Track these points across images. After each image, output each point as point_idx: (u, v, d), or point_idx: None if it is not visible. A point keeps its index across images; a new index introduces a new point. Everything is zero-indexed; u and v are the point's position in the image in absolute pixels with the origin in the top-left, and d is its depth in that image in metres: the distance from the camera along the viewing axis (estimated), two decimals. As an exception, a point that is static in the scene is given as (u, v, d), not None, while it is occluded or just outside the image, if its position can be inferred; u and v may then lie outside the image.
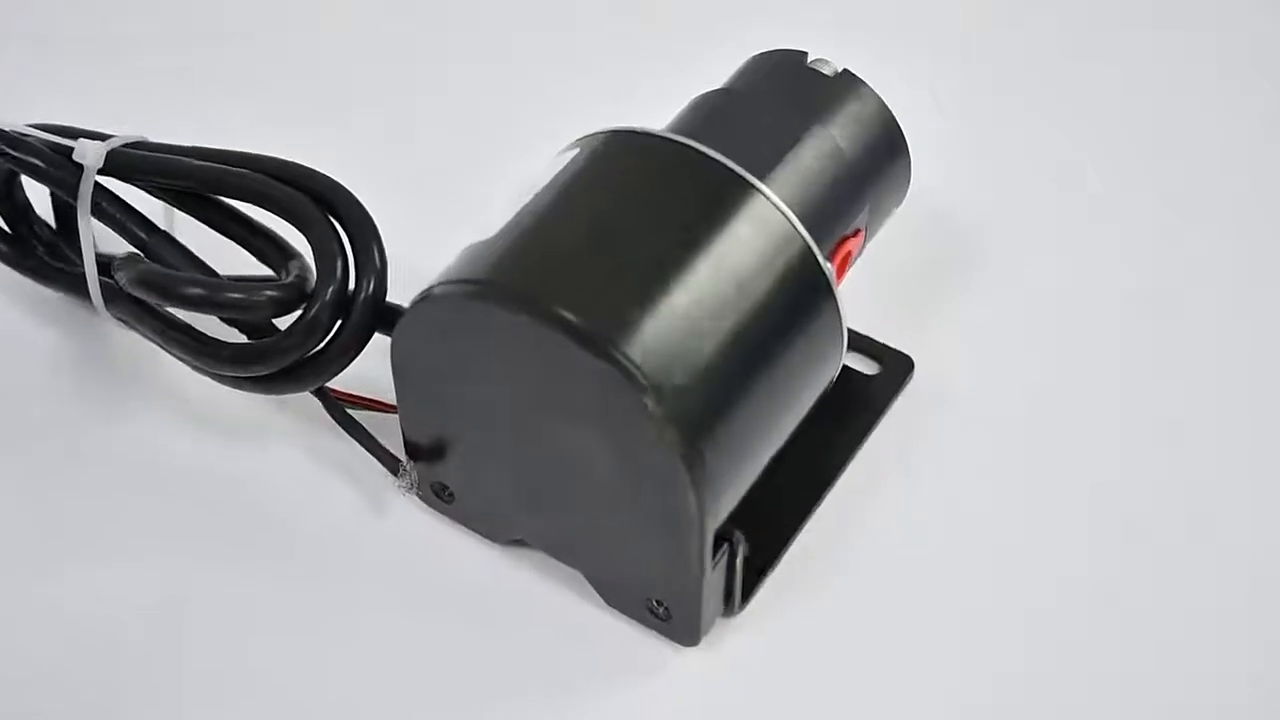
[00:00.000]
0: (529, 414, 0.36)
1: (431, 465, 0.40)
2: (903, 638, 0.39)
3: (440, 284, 0.36)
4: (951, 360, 0.45)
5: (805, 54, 0.42)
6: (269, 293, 0.38)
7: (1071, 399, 0.44)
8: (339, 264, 0.38)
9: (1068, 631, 0.39)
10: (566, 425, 0.36)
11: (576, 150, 0.38)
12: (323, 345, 0.39)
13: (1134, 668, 0.39)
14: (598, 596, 0.39)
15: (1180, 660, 0.39)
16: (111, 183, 0.42)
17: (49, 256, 0.44)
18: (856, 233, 0.41)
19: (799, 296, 0.37)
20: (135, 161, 0.41)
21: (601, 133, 0.38)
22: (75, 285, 0.43)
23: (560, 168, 0.38)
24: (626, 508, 0.36)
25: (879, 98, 0.42)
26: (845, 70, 0.42)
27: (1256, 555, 0.41)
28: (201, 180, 0.40)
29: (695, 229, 0.36)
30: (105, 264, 0.42)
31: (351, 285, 0.39)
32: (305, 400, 0.41)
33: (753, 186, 0.37)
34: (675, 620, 0.38)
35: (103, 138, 0.42)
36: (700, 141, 0.38)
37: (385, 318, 0.39)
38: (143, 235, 0.41)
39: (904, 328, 0.45)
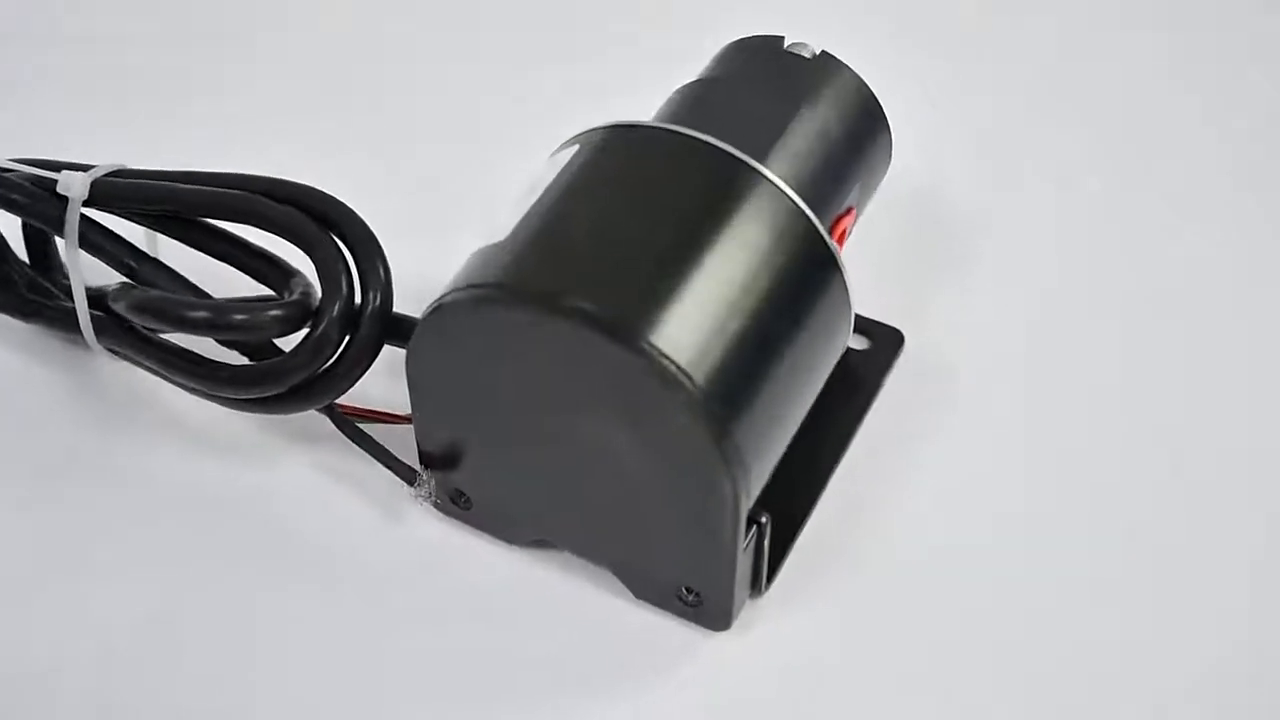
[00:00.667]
0: (551, 413, 0.36)
1: (447, 473, 0.40)
2: (927, 609, 0.40)
3: (454, 291, 0.36)
4: (941, 336, 0.45)
5: (782, 38, 0.43)
6: (274, 312, 0.38)
7: (1064, 373, 0.45)
8: (344, 279, 0.38)
9: (1101, 612, 0.40)
10: (592, 420, 0.36)
11: (576, 147, 0.38)
12: (332, 361, 0.39)
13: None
14: (622, 589, 0.39)
15: (1204, 637, 0.39)
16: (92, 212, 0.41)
17: (29, 292, 0.44)
18: (849, 210, 0.41)
19: (810, 276, 0.38)
20: (121, 190, 0.41)
21: (600, 128, 0.38)
22: (62, 320, 0.42)
23: (562, 166, 0.38)
24: (656, 498, 0.36)
25: (859, 77, 0.42)
26: (824, 52, 0.42)
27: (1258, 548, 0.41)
28: (193, 204, 0.40)
29: (704, 216, 0.37)
30: (94, 296, 0.41)
31: (358, 299, 0.39)
32: (307, 417, 0.41)
33: (755, 170, 0.37)
34: (707, 606, 0.38)
35: (84, 168, 0.41)
36: (697, 130, 0.38)
37: (393, 329, 0.39)
38: (133, 264, 0.41)
39: (891, 305, 0.45)
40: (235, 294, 0.42)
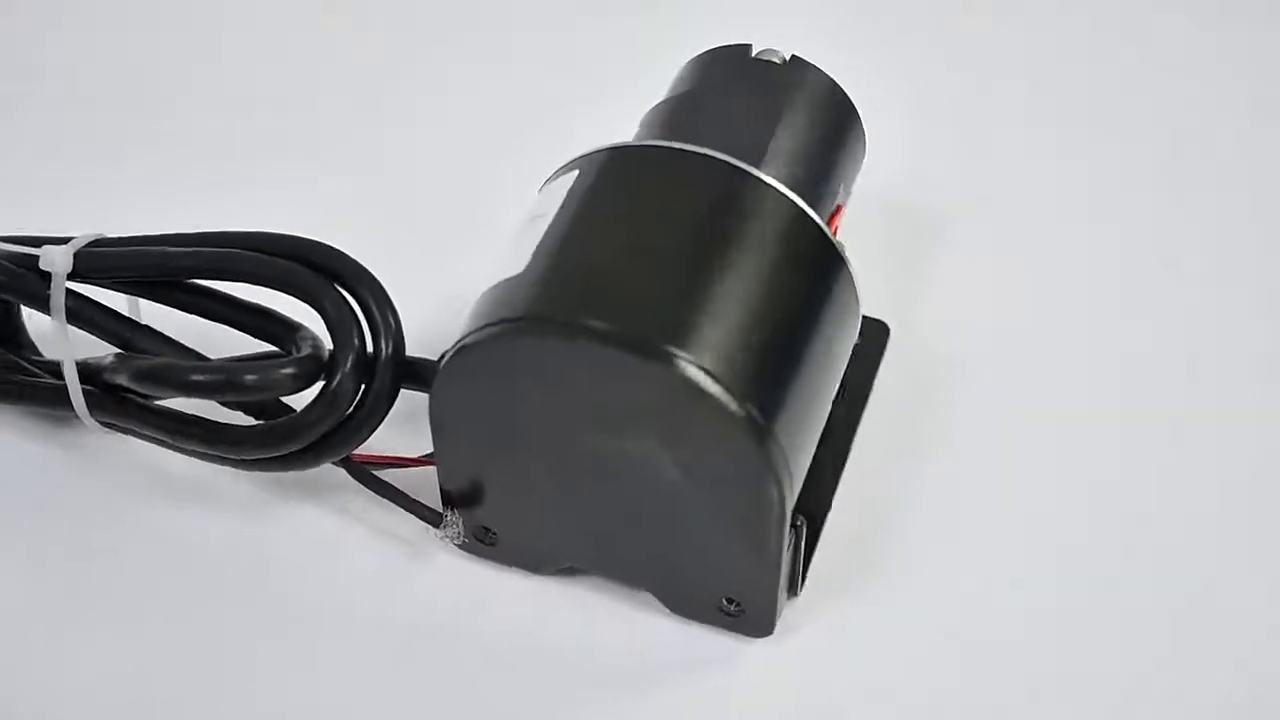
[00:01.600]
0: (584, 438, 0.36)
1: (472, 510, 0.40)
2: (947, 603, 0.40)
3: (478, 329, 0.36)
4: (928, 330, 0.46)
5: (749, 46, 0.43)
6: (287, 370, 0.38)
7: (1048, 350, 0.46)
8: (354, 329, 0.38)
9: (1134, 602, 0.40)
10: (629, 442, 0.36)
11: (575, 172, 0.38)
12: (349, 412, 0.38)
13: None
14: (655, 602, 0.40)
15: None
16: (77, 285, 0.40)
17: (4, 372, 0.42)
18: (838, 208, 0.42)
19: (821, 277, 0.38)
20: (107, 260, 0.40)
21: (597, 151, 0.39)
22: (49, 398, 0.41)
23: (566, 192, 0.38)
24: (698, 512, 0.37)
25: (830, 78, 0.43)
26: (794, 56, 0.43)
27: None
28: (185, 267, 0.39)
29: (717, 228, 0.37)
30: (84, 370, 0.40)
31: (369, 347, 0.38)
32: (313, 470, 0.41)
33: (758, 179, 0.38)
34: (749, 614, 0.39)
35: (59, 240, 0.40)
36: (692, 144, 0.38)
37: (408, 373, 0.39)
38: (127, 334, 0.40)
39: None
40: (227, 354, 0.41)
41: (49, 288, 0.40)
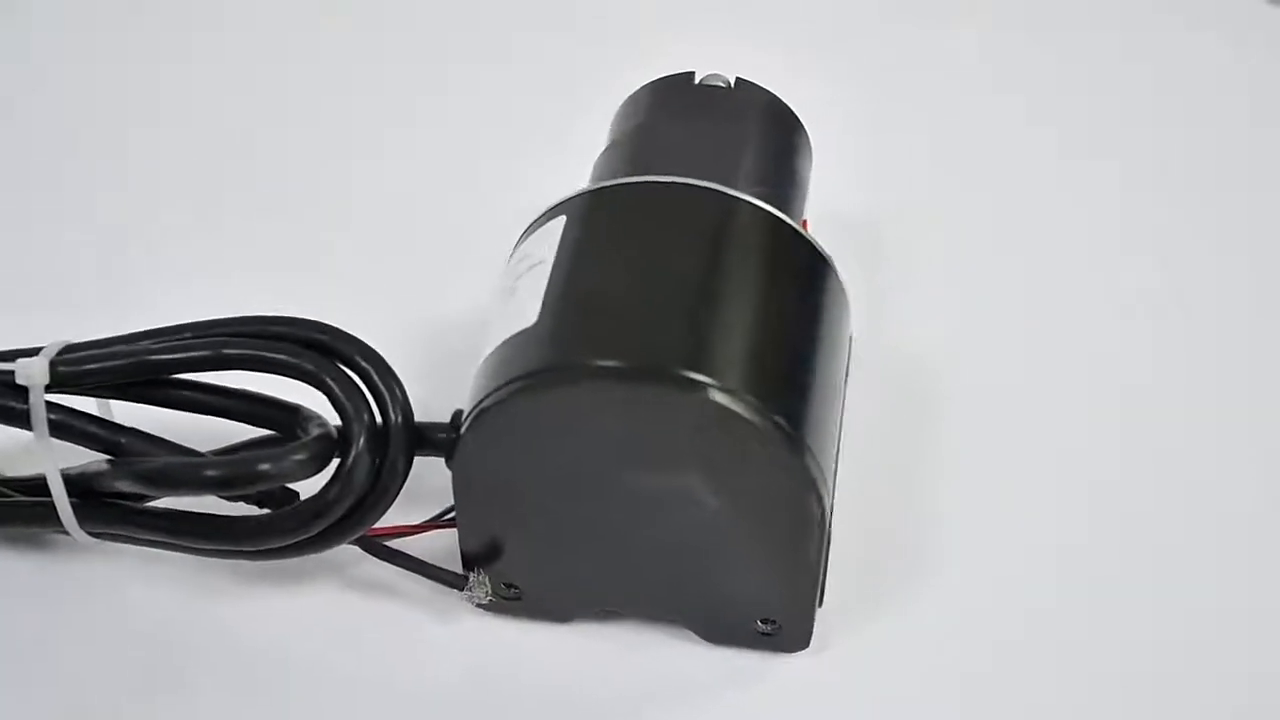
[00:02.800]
0: (617, 480, 0.36)
1: (494, 567, 0.39)
2: (992, 603, 0.41)
3: (499, 389, 0.36)
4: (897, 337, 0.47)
5: (692, 74, 0.44)
6: (299, 456, 0.37)
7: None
8: (363, 403, 0.37)
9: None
10: (663, 477, 0.36)
11: (562, 217, 0.38)
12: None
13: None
14: (684, 633, 0.40)
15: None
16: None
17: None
18: (804, 222, 0.43)
19: (817, 286, 0.39)
20: (88, 365, 0.38)
21: (580, 194, 0.39)
22: (34, 517, 0.40)
23: (559, 238, 0.38)
24: (735, 537, 0.37)
25: (776, 95, 0.44)
26: (739, 79, 0.44)
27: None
28: (171, 363, 0.38)
29: (714, 252, 0.38)
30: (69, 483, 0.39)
31: (378, 420, 0.37)
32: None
33: (744, 201, 0.38)
34: (786, 631, 0.39)
35: (31, 352, 0.39)
36: (670, 175, 0.39)
37: (419, 441, 0.38)
38: (119, 439, 0.38)
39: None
40: (208, 446, 0.40)
41: (27, 403, 0.38)
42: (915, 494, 0.43)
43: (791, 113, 0.44)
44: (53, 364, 0.38)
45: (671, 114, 0.43)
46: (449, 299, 0.48)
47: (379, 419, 0.37)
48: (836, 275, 0.40)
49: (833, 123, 0.47)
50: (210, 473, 0.37)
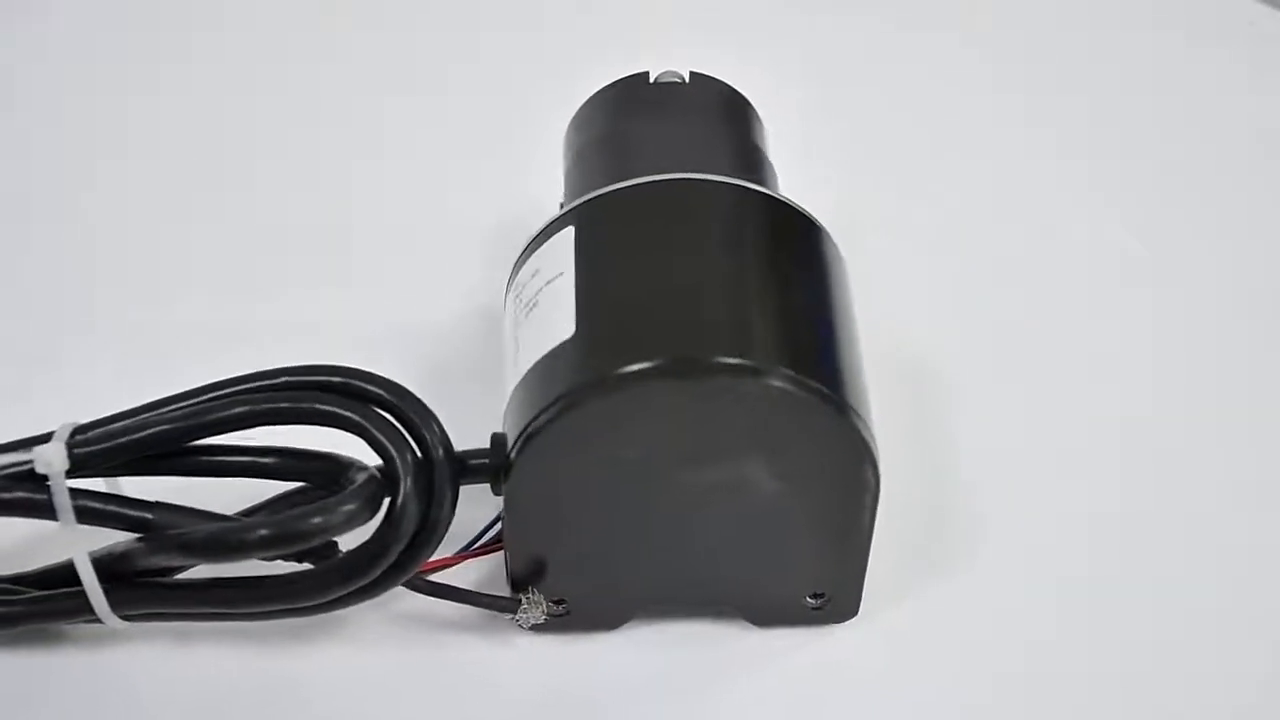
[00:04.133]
0: (673, 478, 0.37)
1: (542, 585, 0.39)
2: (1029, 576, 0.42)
3: (547, 409, 0.35)
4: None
5: (647, 73, 0.44)
6: (350, 504, 0.36)
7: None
8: (402, 442, 0.37)
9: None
10: (719, 469, 0.37)
11: (570, 227, 0.39)
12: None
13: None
14: (730, 620, 0.40)
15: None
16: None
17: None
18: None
19: (828, 259, 0.40)
20: (105, 445, 0.37)
21: (585, 202, 0.39)
22: (64, 610, 0.38)
23: (572, 248, 0.38)
24: (789, 517, 0.38)
25: (729, 84, 0.45)
26: (693, 72, 0.44)
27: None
28: (195, 429, 0.37)
29: (732, 239, 0.38)
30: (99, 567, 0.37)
31: (421, 455, 0.37)
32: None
33: (747, 188, 0.39)
34: (835, 602, 0.40)
35: (41, 439, 0.37)
36: (663, 173, 0.39)
37: (463, 471, 0.37)
38: (147, 515, 0.37)
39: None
40: (219, 507, 0.39)
41: (47, 492, 0.37)
42: (939, 462, 0.44)
43: (746, 99, 0.45)
44: (69, 447, 0.37)
45: (640, 115, 0.43)
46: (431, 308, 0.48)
47: (421, 455, 0.37)
48: (834, 242, 0.40)
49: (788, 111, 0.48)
50: (261, 534, 0.36)
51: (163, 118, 0.57)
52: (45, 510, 0.37)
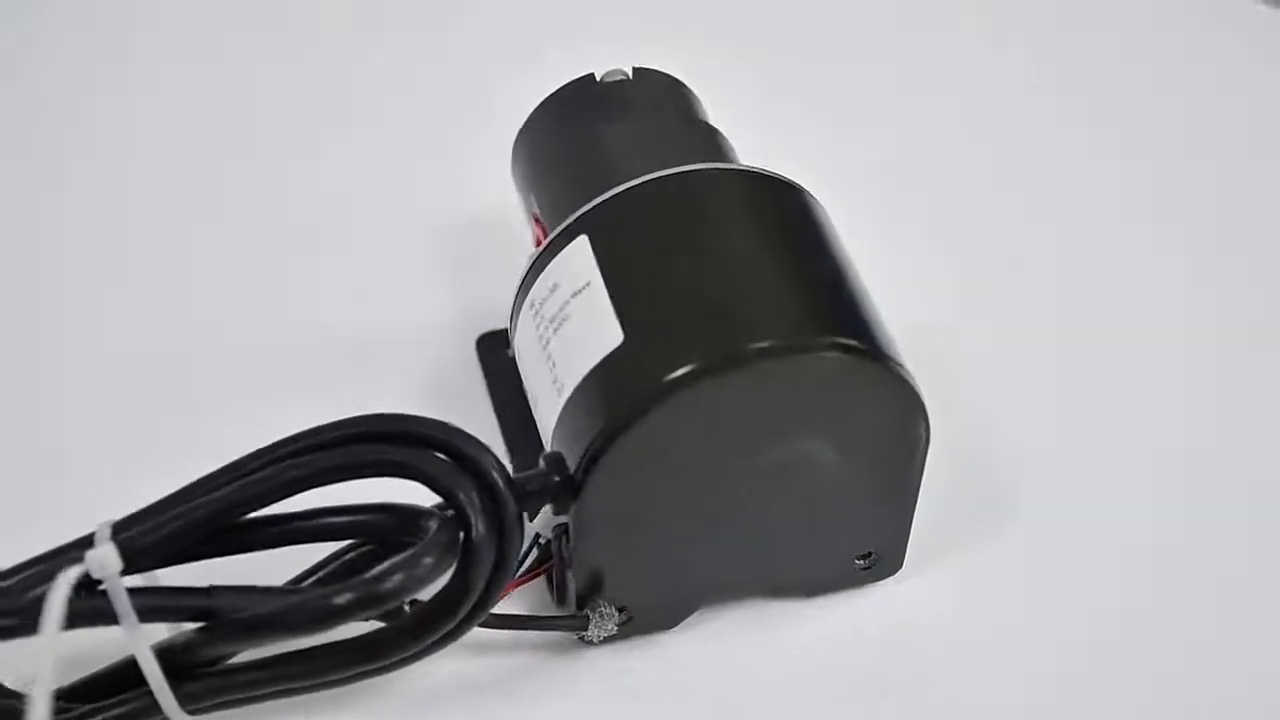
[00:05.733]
0: (737, 467, 0.37)
1: (603, 597, 0.39)
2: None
3: (609, 425, 0.35)
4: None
5: (591, 75, 0.44)
6: (429, 558, 0.35)
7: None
8: (466, 481, 0.36)
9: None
10: (783, 449, 0.37)
11: (582, 236, 0.38)
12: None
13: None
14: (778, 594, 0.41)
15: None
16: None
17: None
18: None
19: (825, 221, 0.40)
20: (155, 537, 0.35)
21: (594, 208, 0.39)
22: (128, 715, 0.36)
23: (592, 255, 0.38)
24: (846, 483, 0.38)
25: (667, 74, 0.45)
26: (635, 67, 0.44)
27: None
28: (247, 502, 0.35)
29: (756, 222, 0.39)
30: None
31: (485, 490, 0.36)
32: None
33: (733, 170, 0.40)
34: (883, 559, 0.41)
35: (86, 543, 0.35)
36: (650, 172, 0.39)
37: (523, 497, 0.37)
38: (208, 602, 0.35)
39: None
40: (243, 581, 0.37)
41: (107, 598, 0.34)
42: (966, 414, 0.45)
43: (684, 83, 0.45)
44: (120, 545, 0.35)
45: (607, 117, 0.43)
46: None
47: (485, 489, 0.36)
48: (817, 199, 0.41)
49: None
50: (341, 601, 0.34)
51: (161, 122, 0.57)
52: (106, 616, 0.34)
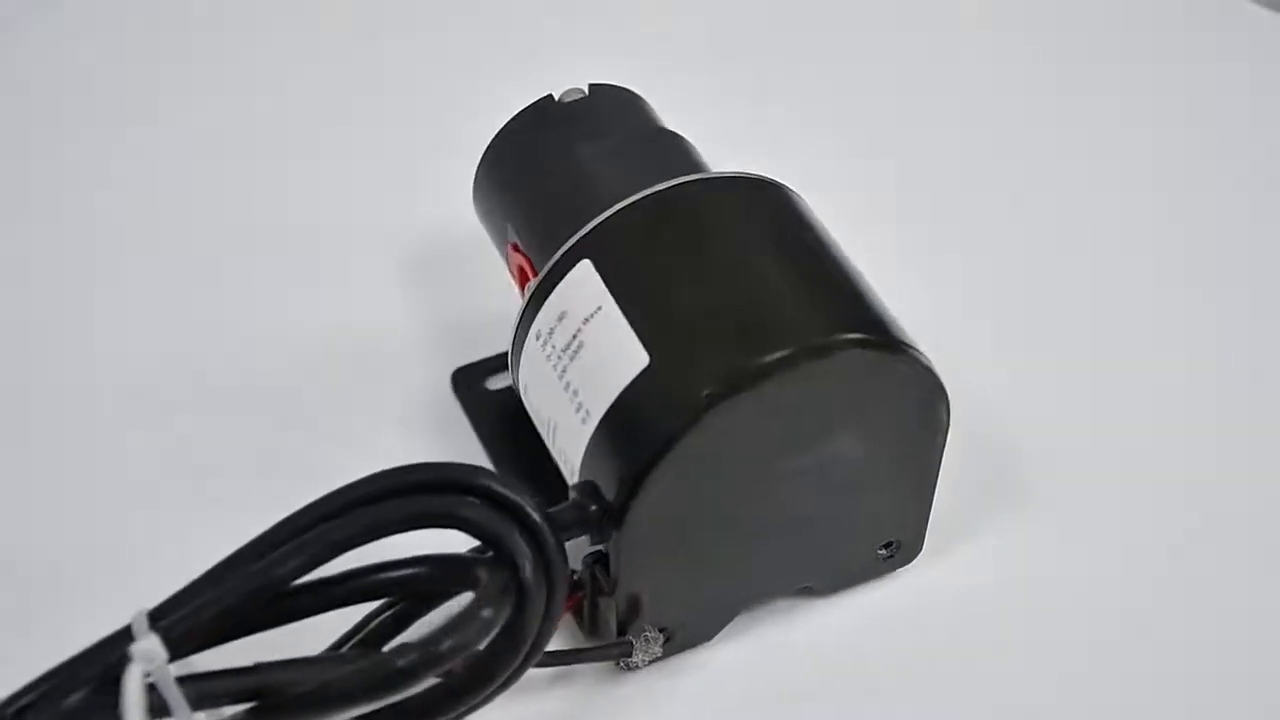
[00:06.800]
0: (772, 474, 0.37)
1: (642, 621, 0.38)
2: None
3: (648, 451, 0.35)
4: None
5: (550, 95, 0.43)
6: (486, 612, 0.34)
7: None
8: (508, 523, 0.35)
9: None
10: (815, 450, 0.37)
11: (585, 261, 0.38)
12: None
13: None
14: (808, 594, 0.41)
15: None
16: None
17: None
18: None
19: (810, 216, 0.40)
20: (200, 620, 0.33)
21: (591, 231, 0.38)
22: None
23: (599, 279, 0.37)
24: (873, 474, 0.39)
25: (623, 87, 0.45)
26: (591, 84, 0.44)
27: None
28: (296, 567, 0.33)
29: (744, 229, 0.38)
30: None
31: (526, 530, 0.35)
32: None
33: (717, 178, 0.40)
34: (904, 546, 0.41)
35: (119, 638, 0.33)
36: (644, 187, 0.39)
37: (559, 528, 0.36)
38: (256, 680, 0.34)
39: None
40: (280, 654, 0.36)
41: (156, 691, 0.33)
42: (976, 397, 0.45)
43: (637, 94, 0.45)
44: (161, 633, 0.33)
45: (577, 137, 0.42)
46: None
47: (526, 530, 0.35)
48: (796, 191, 0.41)
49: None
50: (402, 664, 0.33)
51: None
52: (158, 710, 0.33)
